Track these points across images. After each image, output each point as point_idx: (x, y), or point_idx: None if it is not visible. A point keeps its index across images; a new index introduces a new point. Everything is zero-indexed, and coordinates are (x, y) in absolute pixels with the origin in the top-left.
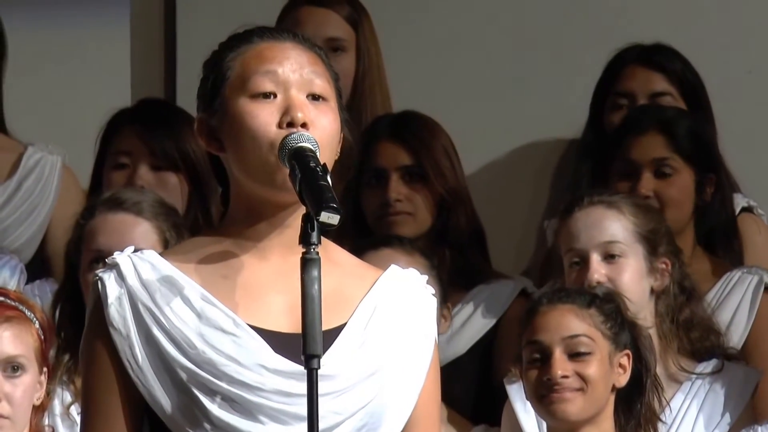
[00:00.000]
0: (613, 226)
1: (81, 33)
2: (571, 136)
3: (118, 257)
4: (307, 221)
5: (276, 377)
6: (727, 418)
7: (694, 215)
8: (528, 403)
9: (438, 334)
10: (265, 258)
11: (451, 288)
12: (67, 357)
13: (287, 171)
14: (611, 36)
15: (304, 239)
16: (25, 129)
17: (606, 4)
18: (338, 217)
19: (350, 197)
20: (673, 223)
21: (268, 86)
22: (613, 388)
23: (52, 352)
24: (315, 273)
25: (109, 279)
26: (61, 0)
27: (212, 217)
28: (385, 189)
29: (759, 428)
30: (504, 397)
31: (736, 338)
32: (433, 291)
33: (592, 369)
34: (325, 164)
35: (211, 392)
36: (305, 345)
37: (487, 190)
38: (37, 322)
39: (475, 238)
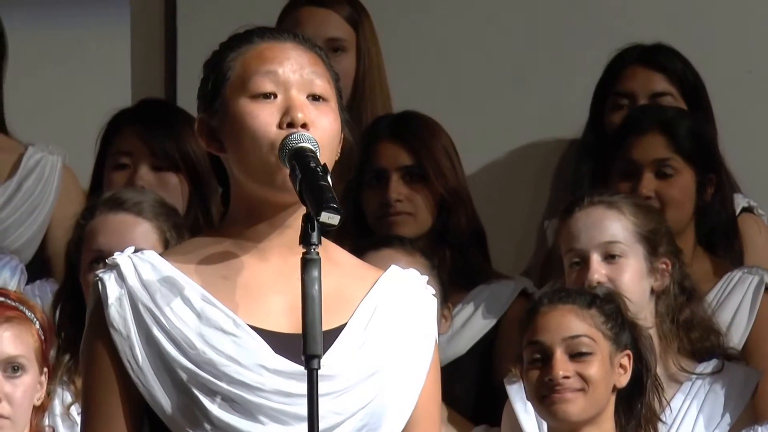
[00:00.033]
0: (614, 226)
1: (81, 33)
2: (571, 136)
3: (119, 258)
4: (308, 221)
5: (276, 377)
6: (727, 418)
7: (694, 215)
8: (528, 404)
9: (438, 335)
10: (266, 258)
11: (452, 288)
12: (67, 357)
13: (287, 171)
14: (611, 36)
15: (305, 239)
16: (26, 129)
17: (606, 4)
18: (338, 217)
19: (351, 197)
20: (674, 224)
21: (268, 87)
22: (614, 388)
23: (52, 353)
24: (315, 273)
25: (109, 279)
26: (61, 0)
27: (213, 217)
28: (385, 189)
29: (759, 428)
30: (504, 397)
31: (736, 338)
32: (434, 291)
33: (594, 369)
34: (325, 164)
35: (211, 392)
36: (305, 345)
37: (488, 191)
38: (37, 322)
39: (476, 238)
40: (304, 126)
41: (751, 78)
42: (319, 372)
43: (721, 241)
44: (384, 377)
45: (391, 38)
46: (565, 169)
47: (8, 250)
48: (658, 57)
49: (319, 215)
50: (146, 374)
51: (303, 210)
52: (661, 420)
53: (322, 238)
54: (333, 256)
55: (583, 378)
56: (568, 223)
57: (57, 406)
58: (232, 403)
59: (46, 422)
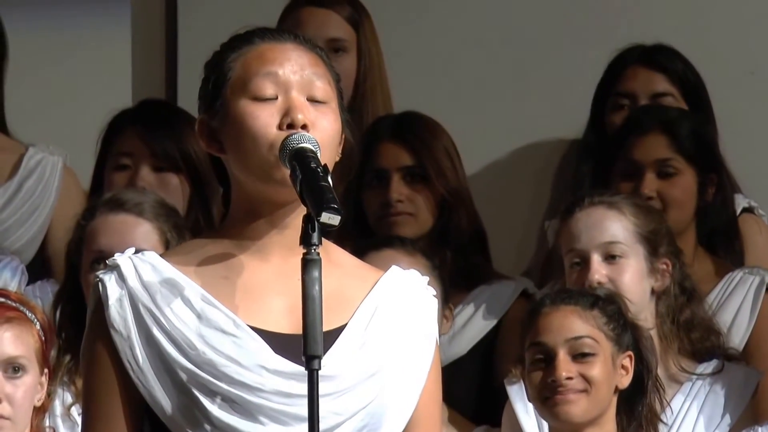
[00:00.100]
0: (614, 226)
1: (81, 33)
2: (572, 137)
3: (119, 258)
4: (308, 222)
5: (276, 378)
6: (728, 418)
7: (695, 216)
8: (529, 404)
9: (440, 335)
10: (266, 259)
11: (452, 289)
12: (67, 358)
13: (288, 171)
14: (612, 36)
15: (305, 240)
16: (26, 130)
17: (607, 4)
18: (339, 217)
19: (351, 198)
20: (676, 224)
21: (268, 88)
22: (616, 389)
23: (53, 353)
24: (316, 274)
25: (109, 280)
26: (62, 0)
27: (213, 218)
28: (386, 189)
29: (759, 429)
30: (505, 397)
31: (737, 339)
32: (435, 292)
33: (596, 370)
34: (325, 165)
35: (212, 393)
36: (306, 346)
37: (488, 191)
38: (37, 323)
39: (476, 238)
40: (304, 127)
41: (752, 79)
42: (320, 372)
43: (722, 241)
44: (384, 378)
45: (391, 38)
46: (565, 169)
47: (9, 251)
48: (659, 57)
49: (320, 216)
50: (146, 375)
51: (303, 209)
52: (661, 420)
53: (323, 238)
54: (333, 256)
55: (585, 379)
56: (569, 223)
57: (57, 407)
58: (232, 403)
59: (47, 423)
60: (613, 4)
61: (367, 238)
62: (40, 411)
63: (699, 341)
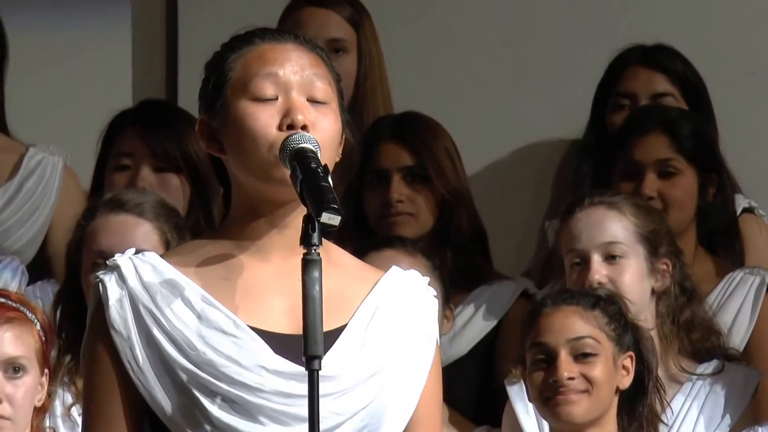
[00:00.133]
0: (614, 226)
1: (81, 33)
2: (572, 137)
3: (119, 259)
4: (308, 222)
5: (276, 378)
6: (728, 419)
7: (696, 216)
8: (529, 405)
9: (440, 335)
10: (266, 259)
11: (453, 289)
12: (68, 358)
13: (288, 171)
14: (612, 36)
15: (305, 240)
16: (27, 130)
17: (607, 3)
18: (339, 218)
19: (352, 198)
20: (677, 224)
21: (269, 89)
22: (617, 390)
23: (53, 354)
24: (316, 274)
25: (110, 281)
26: (62, 0)
27: (214, 218)
28: (386, 190)
29: (759, 429)
30: (505, 397)
31: (738, 339)
32: (435, 292)
33: (598, 370)
34: (326, 165)
35: (212, 393)
36: (306, 346)
37: (489, 191)
38: (38, 323)
39: (477, 238)
40: (304, 128)
41: (752, 79)
42: (320, 373)
43: (722, 241)
44: (384, 378)
45: (391, 38)
46: (566, 169)
47: (9, 251)
48: (660, 57)
49: (320, 216)
50: (147, 375)
51: (303, 210)
52: (661, 421)
53: (323, 239)
54: (333, 257)
55: (587, 379)
56: (569, 223)
57: (58, 407)
58: (232, 403)
59: (47, 423)
60: (613, 4)
61: (368, 239)
62: (41, 411)
63: (699, 341)
